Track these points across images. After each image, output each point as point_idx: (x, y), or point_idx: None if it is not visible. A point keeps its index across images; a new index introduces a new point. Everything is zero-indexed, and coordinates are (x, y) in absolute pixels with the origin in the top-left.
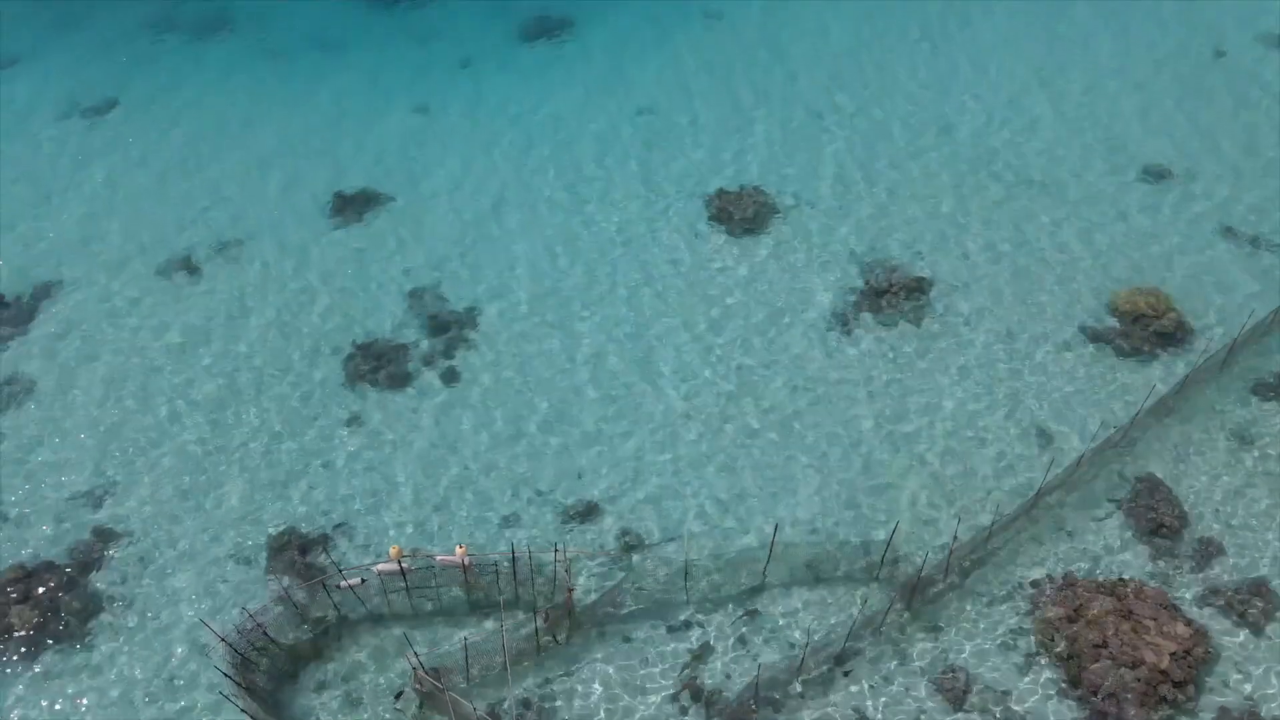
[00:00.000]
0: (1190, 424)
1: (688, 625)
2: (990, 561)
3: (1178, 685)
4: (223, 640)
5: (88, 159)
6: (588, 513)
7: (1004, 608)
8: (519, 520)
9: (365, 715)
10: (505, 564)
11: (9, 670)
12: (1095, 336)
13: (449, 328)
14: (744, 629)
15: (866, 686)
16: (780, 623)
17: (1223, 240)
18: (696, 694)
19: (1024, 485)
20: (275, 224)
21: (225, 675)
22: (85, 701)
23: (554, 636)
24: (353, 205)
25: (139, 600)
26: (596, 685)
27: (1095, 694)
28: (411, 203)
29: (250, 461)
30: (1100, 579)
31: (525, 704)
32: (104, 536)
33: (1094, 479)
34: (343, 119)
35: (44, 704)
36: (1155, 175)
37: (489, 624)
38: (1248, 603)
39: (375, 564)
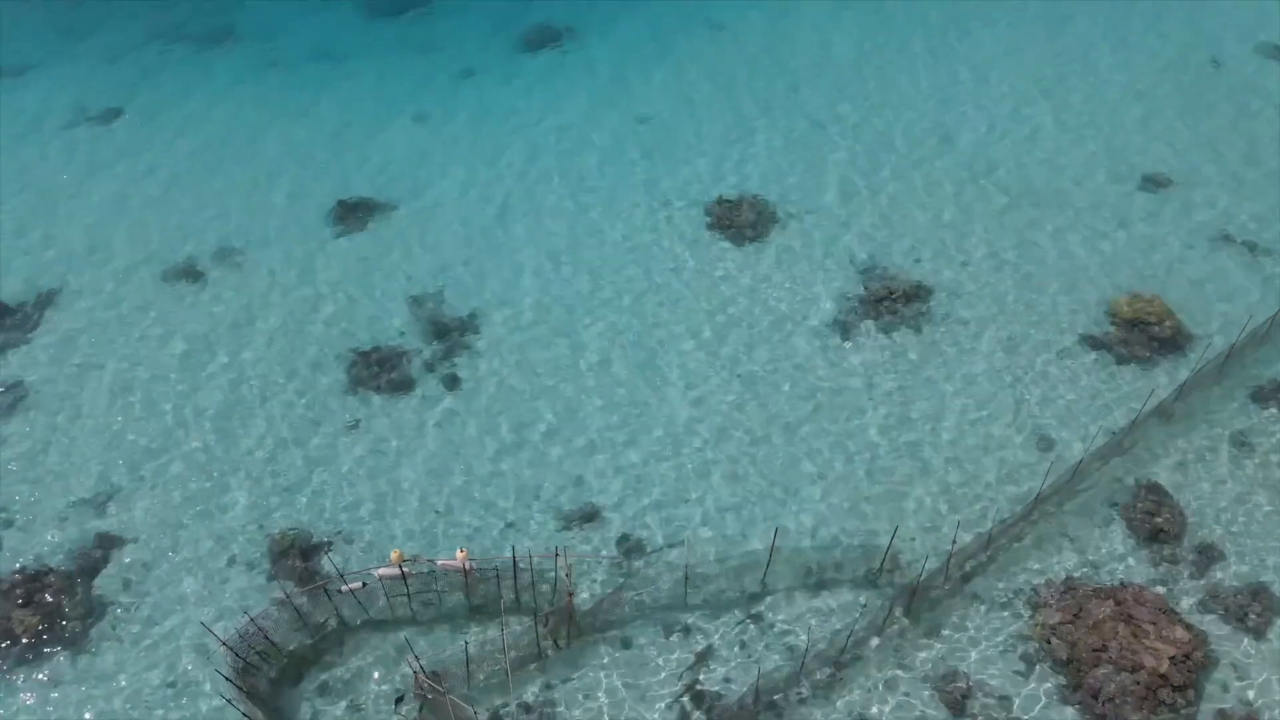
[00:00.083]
0: (1190, 429)
1: (689, 630)
2: (991, 566)
3: (1177, 689)
4: (224, 645)
5: (95, 168)
6: (590, 518)
7: (1004, 612)
8: (521, 526)
9: None
10: (507, 569)
11: (11, 675)
12: (1096, 343)
13: (453, 334)
14: (745, 634)
15: (867, 691)
16: (781, 628)
17: (1223, 248)
18: (697, 698)
19: (1025, 492)
20: (280, 232)
21: (227, 679)
22: (87, 706)
23: (555, 641)
24: (357, 214)
25: (142, 606)
26: (598, 690)
27: (1095, 698)
28: (416, 211)
29: (255, 468)
30: (1100, 583)
31: (526, 708)
32: (108, 542)
33: (1094, 484)
34: (347, 129)
35: (47, 709)
36: (1156, 184)
37: (490, 629)
38: (1247, 607)
39: (376, 568)
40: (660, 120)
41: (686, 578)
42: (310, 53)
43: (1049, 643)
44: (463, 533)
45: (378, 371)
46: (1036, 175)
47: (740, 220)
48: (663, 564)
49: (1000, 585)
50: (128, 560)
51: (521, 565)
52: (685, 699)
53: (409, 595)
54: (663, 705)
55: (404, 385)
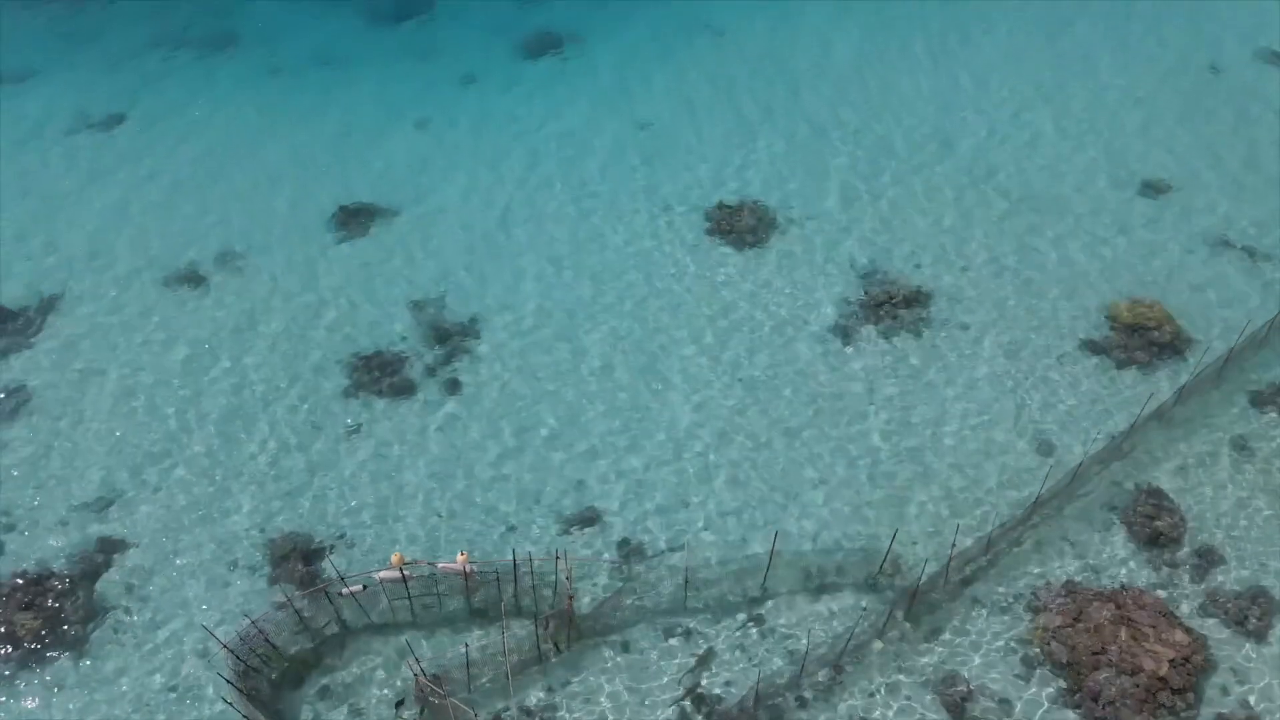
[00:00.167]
0: (1190, 433)
1: (689, 633)
2: (991, 570)
3: (1177, 692)
4: (225, 647)
5: (97, 174)
6: (591, 522)
7: (1005, 616)
8: (522, 530)
9: None
10: (507, 572)
11: (13, 679)
12: (1096, 348)
13: (455, 339)
14: (746, 637)
15: (867, 695)
16: (782, 631)
17: (1224, 253)
18: (698, 702)
19: (1026, 496)
20: (283, 238)
21: (228, 682)
22: (90, 710)
23: (556, 644)
24: (359, 219)
25: (144, 610)
26: (598, 693)
27: (1095, 701)
28: (418, 217)
29: (257, 472)
30: (1100, 587)
31: (527, 712)
32: (110, 546)
33: (1094, 488)
34: (349, 135)
35: (49, 713)
36: (1156, 189)
37: (491, 632)
38: (1247, 611)
39: (377, 571)
40: (661, 126)
41: (687, 581)
42: (312, 59)
43: (1049, 646)
44: (464, 536)
45: (380, 376)
46: (1037, 180)
47: (741, 225)
48: (664, 567)
49: (1001, 589)
50: (130, 564)
51: (522, 569)
52: (686, 702)
53: (410, 598)
54: (663, 709)
55: (406, 390)
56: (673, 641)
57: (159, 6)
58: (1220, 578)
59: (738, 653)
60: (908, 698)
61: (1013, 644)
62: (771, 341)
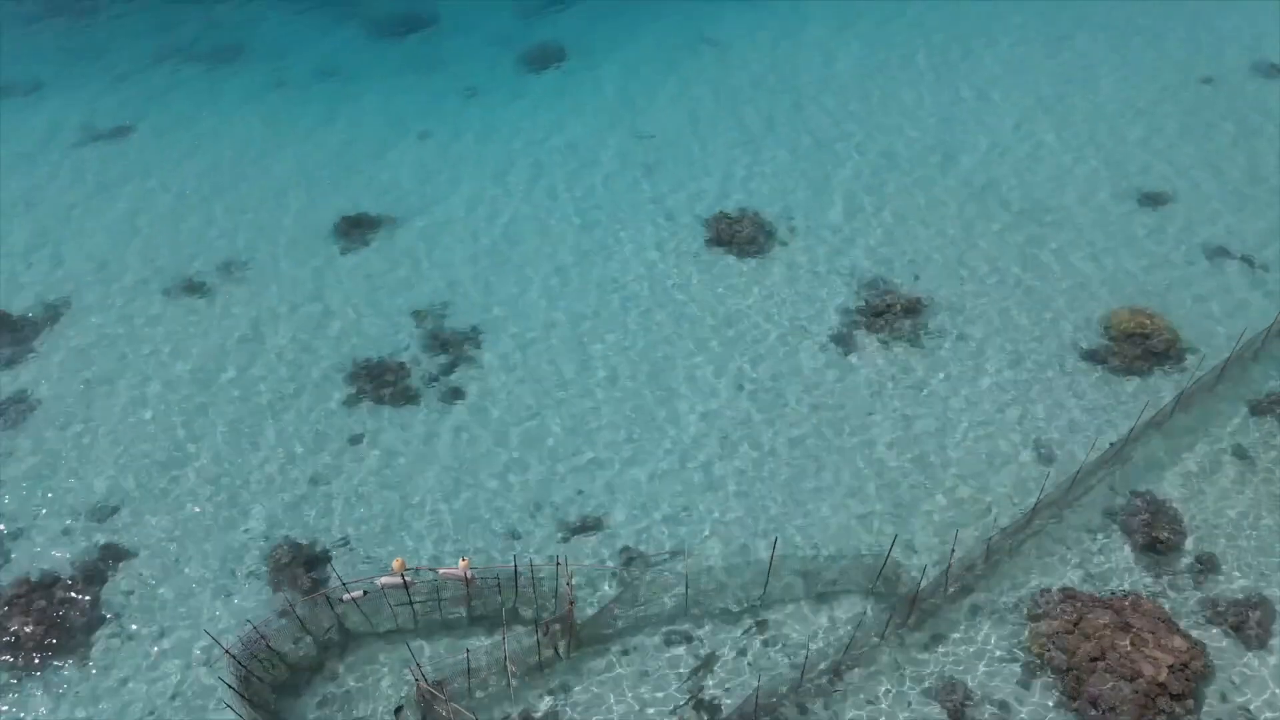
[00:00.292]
0: (1188, 440)
1: (690, 639)
2: (991, 576)
3: (1175, 698)
4: (228, 653)
5: (104, 186)
6: (595, 529)
7: (1003, 621)
8: (525, 537)
9: None
10: (509, 578)
11: (18, 685)
12: (1096, 357)
13: (460, 349)
14: (747, 644)
15: (868, 701)
16: (783, 638)
17: (1224, 264)
18: (699, 707)
19: (1028, 504)
20: (289, 249)
21: (231, 689)
22: (95, 717)
23: (556, 650)
24: (364, 230)
25: (149, 617)
26: (600, 700)
27: (1094, 706)
28: (422, 228)
29: (263, 480)
30: (1099, 593)
31: (527, 718)
32: (116, 553)
33: (1093, 494)
34: (354, 147)
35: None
36: (1157, 201)
37: (492, 638)
38: (1246, 617)
39: (378, 577)
40: (665, 137)
41: (688, 588)
42: (318, 72)
43: (1048, 652)
44: (468, 544)
45: (385, 385)
46: (1038, 192)
47: (744, 236)
48: (666, 574)
49: (1000, 595)
50: (135, 571)
51: (523, 575)
52: (686, 708)
53: (411, 604)
54: (664, 714)
55: (411, 399)
56: (674, 648)
57: (166, 20)
58: (1219, 585)
59: (737, 657)
60: (908, 703)
61: (1013, 650)
62: (775, 351)
